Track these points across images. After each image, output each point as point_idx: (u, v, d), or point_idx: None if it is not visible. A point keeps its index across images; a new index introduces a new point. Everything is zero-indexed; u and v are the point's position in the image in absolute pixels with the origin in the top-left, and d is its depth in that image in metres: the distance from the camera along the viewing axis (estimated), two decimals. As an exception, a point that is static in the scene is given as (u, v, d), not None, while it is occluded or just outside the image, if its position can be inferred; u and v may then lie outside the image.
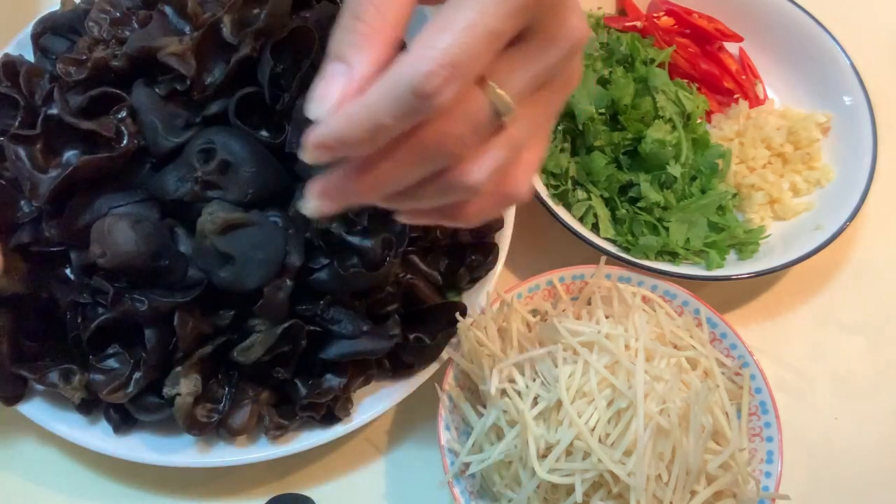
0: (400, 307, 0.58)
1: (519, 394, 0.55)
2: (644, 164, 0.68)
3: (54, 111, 0.53)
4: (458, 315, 0.58)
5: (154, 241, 0.51)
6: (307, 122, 0.34)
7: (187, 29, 0.56)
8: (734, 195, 0.71)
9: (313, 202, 0.37)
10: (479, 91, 0.34)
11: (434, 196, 0.37)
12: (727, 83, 0.77)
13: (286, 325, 0.53)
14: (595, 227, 0.67)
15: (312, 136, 0.34)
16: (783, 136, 0.74)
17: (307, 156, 0.34)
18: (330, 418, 0.57)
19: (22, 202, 0.56)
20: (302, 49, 0.53)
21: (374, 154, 0.34)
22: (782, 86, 0.79)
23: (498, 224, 0.63)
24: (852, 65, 0.74)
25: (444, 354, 0.59)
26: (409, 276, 0.58)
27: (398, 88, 0.31)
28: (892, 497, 0.64)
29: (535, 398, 0.54)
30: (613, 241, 0.67)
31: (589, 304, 0.62)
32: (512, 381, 0.56)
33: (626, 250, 0.66)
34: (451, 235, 0.61)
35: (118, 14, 0.58)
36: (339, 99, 0.33)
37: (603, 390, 0.53)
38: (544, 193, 0.66)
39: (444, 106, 0.32)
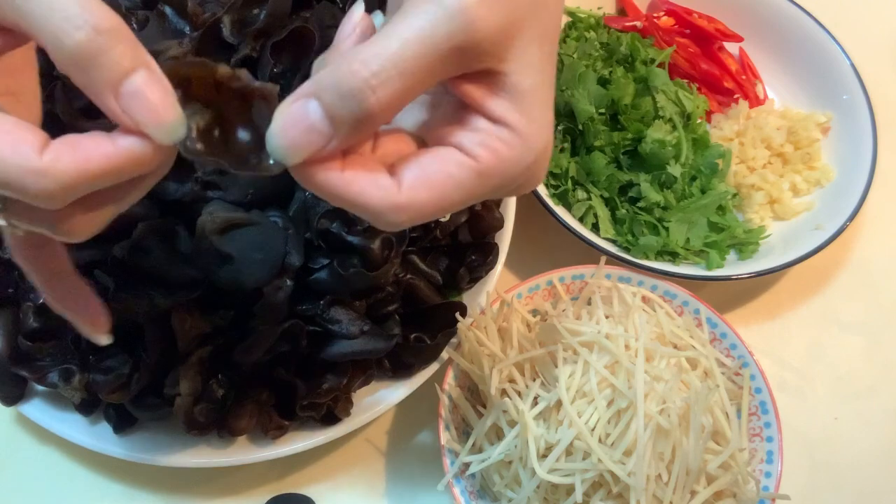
0: (400, 307, 0.58)
1: (519, 394, 0.55)
2: (644, 164, 0.68)
3: (56, 111, 0.53)
4: (458, 315, 0.58)
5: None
6: None
7: (187, 29, 0.56)
8: (734, 195, 0.71)
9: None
10: None
11: None
12: (727, 83, 0.77)
13: (286, 325, 0.53)
14: (595, 227, 0.67)
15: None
16: (783, 136, 0.74)
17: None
18: (330, 418, 0.57)
19: (22, 202, 0.56)
20: (302, 49, 0.53)
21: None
22: (782, 86, 0.79)
23: (498, 224, 0.63)
24: (852, 65, 0.74)
25: (444, 354, 0.59)
26: (409, 276, 0.58)
27: (368, 209, 0.32)
28: (893, 497, 0.64)
29: (535, 398, 0.54)
30: (613, 241, 0.67)
31: (589, 304, 0.62)
32: (512, 381, 0.56)
33: (626, 250, 0.66)
34: (451, 235, 0.61)
35: (117, 14, 0.58)
36: (307, 158, 0.31)
37: (603, 390, 0.53)
38: (544, 193, 0.66)
39: None
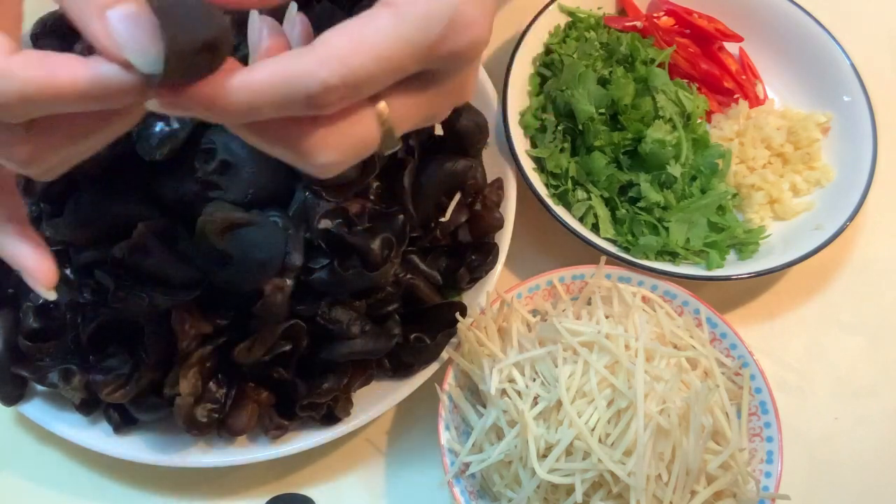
0: (400, 307, 0.58)
1: (519, 394, 0.55)
2: (644, 164, 0.68)
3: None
4: (458, 315, 0.58)
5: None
6: None
7: (187, 29, 0.56)
8: (734, 195, 0.71)
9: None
10: (372, 116, 0.34)
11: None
12: (727, 83, 0.77)
13: (286, 325, 0.53)
14: (595, 227, 0.67)
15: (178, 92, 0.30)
16: (783, 136, 0.74)
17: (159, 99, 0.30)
18: (330, 418, 0.57)
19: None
20: (302, 49, 0.53)
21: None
22: (782, 86, 0.79)
23: (498, 224, 0.63)
24: (852, 65, 0.74)
25: (444, 354, 0.59)
26: (409, 276, 0.58)
27: (292, 88, 0.30)
28: (893, 497, 0.64)
29: (535, 398, 0.54)
30: (613, 241, 0.67)
31: (589, 304, 0.62)
32: (512, 381, 0.56)
33: (626, 250, 0.66)
34: (451, 235, 0.61)
35: (118, 14, 0.58)
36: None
37: (603, 390, 0.53)
38: (544, 193, 0.66)
39: (327, 113, 0.32)
